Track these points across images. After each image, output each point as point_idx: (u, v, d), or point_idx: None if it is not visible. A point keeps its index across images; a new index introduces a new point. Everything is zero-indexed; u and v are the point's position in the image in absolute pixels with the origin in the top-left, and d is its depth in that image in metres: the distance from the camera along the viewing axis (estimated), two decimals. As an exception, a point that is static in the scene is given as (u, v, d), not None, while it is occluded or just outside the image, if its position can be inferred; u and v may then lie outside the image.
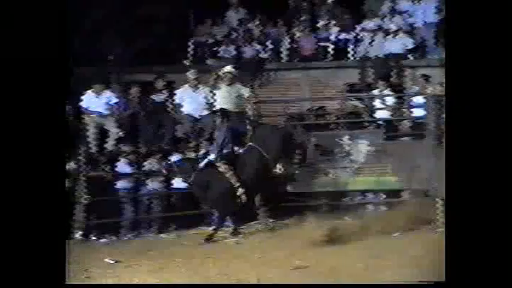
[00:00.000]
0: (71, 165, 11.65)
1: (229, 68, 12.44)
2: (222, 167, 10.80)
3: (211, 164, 10.95)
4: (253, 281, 8.32)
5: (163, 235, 11.39)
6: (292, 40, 16.74)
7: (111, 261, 9.39)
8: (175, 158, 11.84)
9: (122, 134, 12.14)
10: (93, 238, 11.23)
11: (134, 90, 12.62)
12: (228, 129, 11.04)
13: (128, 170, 11.86)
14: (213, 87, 12.16)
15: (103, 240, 11.11)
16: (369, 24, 16.17)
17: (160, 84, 12.67)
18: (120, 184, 11.81)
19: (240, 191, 10.62)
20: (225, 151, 10.96)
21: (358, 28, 16.16)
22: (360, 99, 13.70)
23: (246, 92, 12.23)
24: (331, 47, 16.44)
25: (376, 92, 13.05)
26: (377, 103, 12.80)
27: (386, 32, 15.47)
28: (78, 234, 11.16)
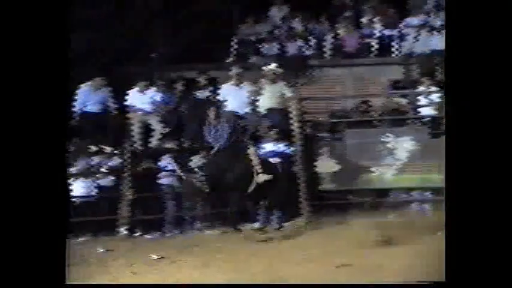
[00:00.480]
0: (116, 162, 11.79)
1: (272, 66, 12.45)
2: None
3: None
4: (297, 279, 8.29)
5: (208, 231, 11.42)
6: (336, 37, 16.64)
7: (155, 257, 9.45)
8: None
9: (166, 130, 12.20)
10: (137, 234, 11.30)
11: (179, 86, 12.64)
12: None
13: (172, 166, 11.90)
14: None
15: (148, 236, 11.17)
16: (414, 20, 16.01)
17: (203, 80, 12.70)
18: (164, 180, 11.86)
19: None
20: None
21: (402, 24, 16.00)
22: (404, 96, 13.57)
23: (288, 92, 12.24)
24: (375, 44, 16.32)
25: (420, 88, 12.90)
26: (422, 100, 12.65)
27: (432, 28, 15.29)
28: (123, 230, 11.26)
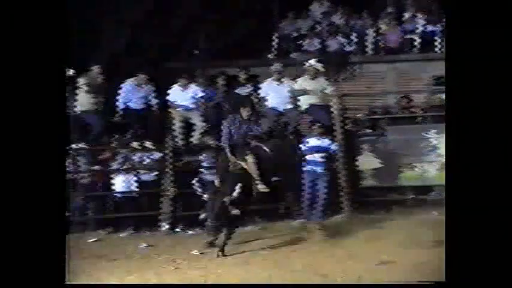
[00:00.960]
0: (157, 158, 11.87)
1: (313, 62, 12.42)
2: None
3: None
4: (339, 276, 8.25)
5: (249, 227, 11.42)
6: (378, 32, 16.56)
7: (197, 253, 9.49)
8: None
9: (207, 127, 12.24)
10: (179, 230, 11.35)
11: (220, 81, 12.67)
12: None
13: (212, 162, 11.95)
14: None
15: (189, 232, 11.21)
16: (457, 15, 15.76)
17: (243, 77, 12.69)
18: (205, 176, 11.89)
19: None
20: None
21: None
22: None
23: (329, 88, 12.22)
24: (417, 39, 16.20)
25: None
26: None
27: (475, 23, 15.06)
28: (165, 226, 11.33)
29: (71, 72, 11.78)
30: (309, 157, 11.13)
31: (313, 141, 11.23)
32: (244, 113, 10.09)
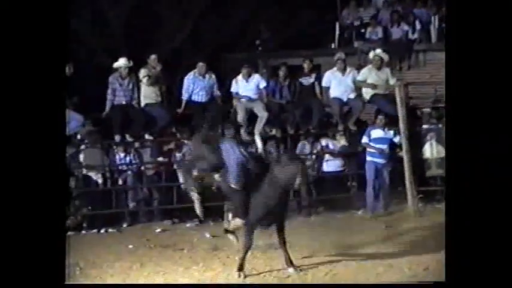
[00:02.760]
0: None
1: (378, 51, 12.34)
2: None
3: None
4: (405, 267, 8.20)
5: (312, 218, 11.44)
6: (442, 20, 16.29)
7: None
8: (324, 141, 11.95)
9: (270, 117, 12.24)
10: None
11: (282, 72, 12.66)
12: None
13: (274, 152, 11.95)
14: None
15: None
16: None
17: (307, 66, 12.67)
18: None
19: None
20: None
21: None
22: None
23: (393, 79, 12.14)
24: (482, 26, 15.87)
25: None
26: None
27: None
28: (229, 216, 11.35)
29: (121, 61, 12.03)
30: (373, 149, 11.09)
31: (376, 133, 11.17)
32: None
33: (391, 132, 11.19)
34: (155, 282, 8.12)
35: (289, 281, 7.84)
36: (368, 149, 11.19)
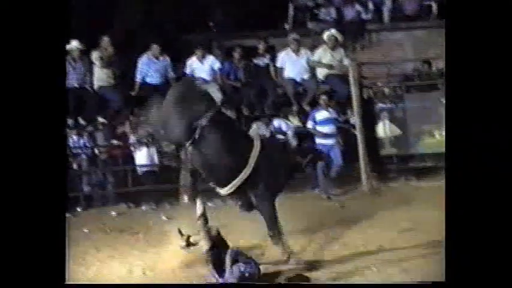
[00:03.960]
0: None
1: (332, 31, 12.34)
2: None
3: None
4: (360, 245, 8.24)
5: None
6: (395, 0, 16.35)
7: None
8: (277, 122, 11.88)
9: (225, 99, 12.16)
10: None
11: (237, 54, 12.58)
12: None
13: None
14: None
15: (210, 204, 11.17)
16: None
17: (262, 47, 12.63)
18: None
19: None
20: None
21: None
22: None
23: (347, 60, 12.16)
24: (434, 6, 15.98)
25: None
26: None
27: (493, -11, 14.84)
28: (185, 199, 11.32)
29: (74, 43, 11.82)
30: (319, 129, 11.04)
31: (321, 115, 11.15)
32: None
33: (334, 112, 11.18)
34: (110, 266, 8.05)
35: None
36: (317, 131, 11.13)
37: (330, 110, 11.19)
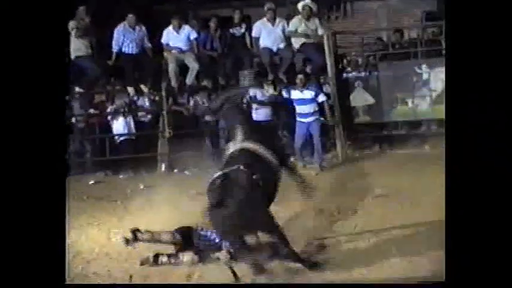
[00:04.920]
0: (155, 99, 11.83)
1: (307, 1, 12.29)
2: None
3: None
4: (335, 211, 8.28)
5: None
6: (369, -31, 16.34)
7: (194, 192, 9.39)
8: (253, 91, 11.87)
9: (201, 68, 12.13)
10: (176, 171, 11.34)
11: (213, 24, 12.53)
12: None
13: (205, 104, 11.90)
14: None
15: (186, 172, 11.22)
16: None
17: (237, 17, 12.58)
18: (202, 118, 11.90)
19: None
20: None
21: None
22: (439, 27, 13.24)
23: (321, 29, 12.12)
24: (409, -25, 16.00)
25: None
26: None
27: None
28: (162, 167, 11.34)
29: None
30: (297, 109, 10.93)
31: (295, 94, 10.95)
32: None
33: (311, 92, 10.90)
34: (88, 233, 8.06)
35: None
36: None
37: (306, 91, 10.91)
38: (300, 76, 11.05)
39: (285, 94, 11.11)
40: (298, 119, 10.91)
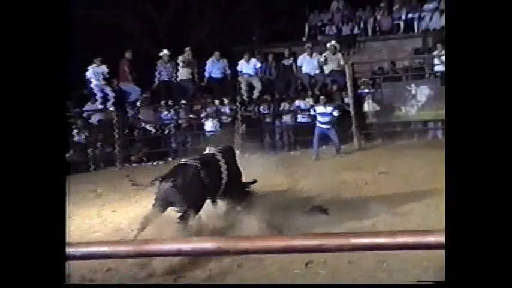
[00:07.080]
0: (233, 108, 11.88)
1: (333, 42, 12.24)
2: None
3: None
4: (353, 182, 8.16)
5: (292, 152, 11.45)
6: (375, 20, 16.18)
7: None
8: (297, 102, 11.85)
9: (263, 87, 12.14)
10: (246, 155, 11.26)
11: (271, 57, 12.57)
12: None
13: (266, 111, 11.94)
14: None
15: (252, 156, 11.14)
16: (429, 6, 15.42)
17: (287, 53, 12.59)
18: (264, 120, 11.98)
19: None
20: None
21: (423, 8, 15.51)
22: (423, 58, 12.99)
23: (343, 60, 12.06)
24: (402, 24, 15.77)
25: (435, 53, 12.32)
26: (435, 60, 12.08)
27: (442, 12, 14.62)
28: (237, 153, 11.30)
29: (165, 51, 11.94)
30: (319, 118, 10.39)
31: (319, 109, 10.47)
32: None
33: (330, 108, 10.36)
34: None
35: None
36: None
37: (327, 107, 10.38)
38: (322, 97, 10.74)
39: (311, 111, 10.78)
40: (318, 124, 10.42)
